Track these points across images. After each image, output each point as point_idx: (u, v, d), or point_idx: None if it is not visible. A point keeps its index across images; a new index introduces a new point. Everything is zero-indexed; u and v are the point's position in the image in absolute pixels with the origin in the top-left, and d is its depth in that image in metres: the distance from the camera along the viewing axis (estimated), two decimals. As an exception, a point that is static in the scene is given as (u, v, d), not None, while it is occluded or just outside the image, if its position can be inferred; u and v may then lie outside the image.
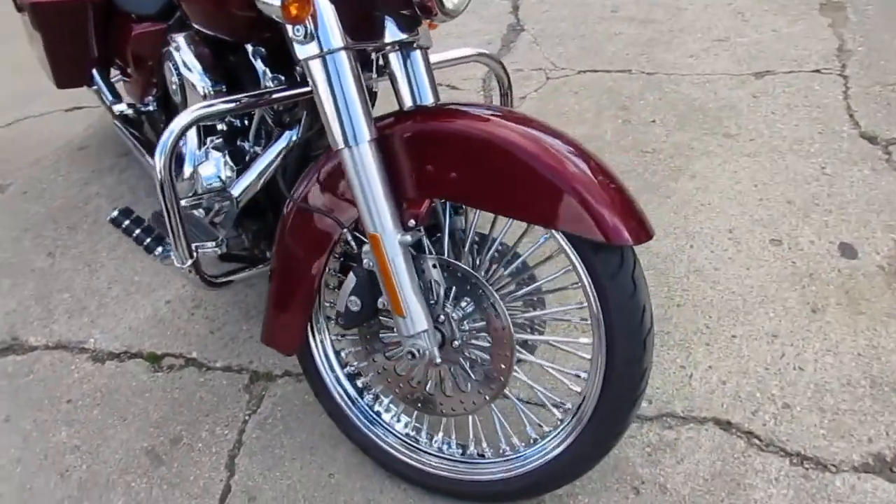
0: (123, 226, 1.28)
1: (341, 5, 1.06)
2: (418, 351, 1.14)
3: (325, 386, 1.38)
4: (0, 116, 3.04)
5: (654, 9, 3.20)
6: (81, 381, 1.74)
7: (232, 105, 1.23)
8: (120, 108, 1.93)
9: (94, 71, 2.03)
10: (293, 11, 1.01)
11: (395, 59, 1.19)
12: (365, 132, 1.08)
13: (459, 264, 1.15)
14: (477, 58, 1.52)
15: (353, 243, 1.20)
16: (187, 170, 1.57)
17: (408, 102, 1.19)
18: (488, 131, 1.07)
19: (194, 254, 1.27)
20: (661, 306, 1.71)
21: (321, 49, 1.05)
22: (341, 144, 1.09)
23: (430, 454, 1.34)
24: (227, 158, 1.52)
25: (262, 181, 1.45)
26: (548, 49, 2.98)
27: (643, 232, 1.04)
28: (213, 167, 1.51)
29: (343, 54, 1.06)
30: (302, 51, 1.06)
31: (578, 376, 1.18)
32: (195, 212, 1.54)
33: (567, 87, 2.68)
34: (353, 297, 1.20)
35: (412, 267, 1.13)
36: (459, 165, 1.08)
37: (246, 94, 1.25)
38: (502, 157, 1.04)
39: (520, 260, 1.18)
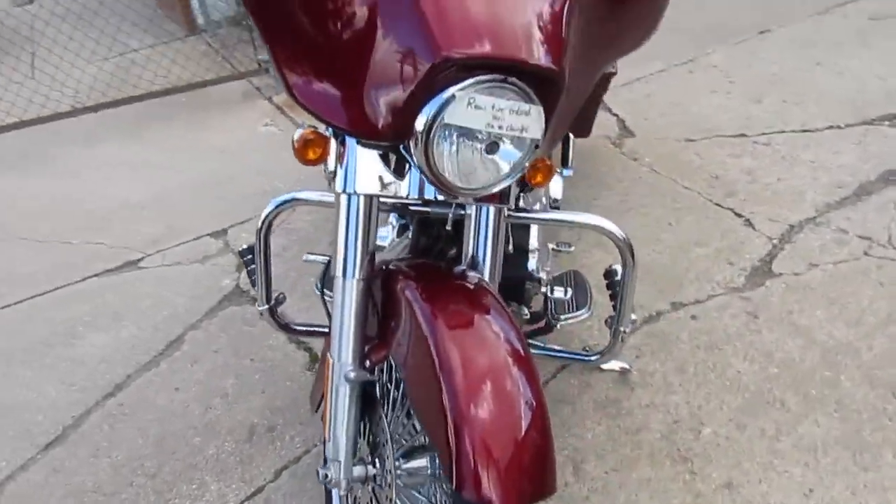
0: (244, 258, 1.63)
1: (373, 153, 1.12)
2: (326, 475, 1.23)
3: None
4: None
5: None
6: (266, 348, 2.23)
7: (321, 198, 1.43)
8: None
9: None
10: (310, 156, 1.15)
11: (470, 206, 1.24)
12: (356, 271, 1.17)
13: (385, 426, 1.19)
14: (593, 227, 1.42)
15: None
16: None
17: (468, 253, 1.24)
18: (441, 333, 1.03)
19: (272, 300, 1.55)
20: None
21: (342, 188, 1.13)
22: (337, 273, 1.20)
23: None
24: (393, 230, 1.76)
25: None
26: (904, 218, 2.36)
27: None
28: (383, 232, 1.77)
29: (360, 198, 1.15)
30: (330, 181, 1.19)
31: None
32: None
33: (878, 275, 2.12)
34: None
35: (353, 402, 1.21)
36: (408, 343, 1.12)
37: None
38: (431, 361, 1.03)
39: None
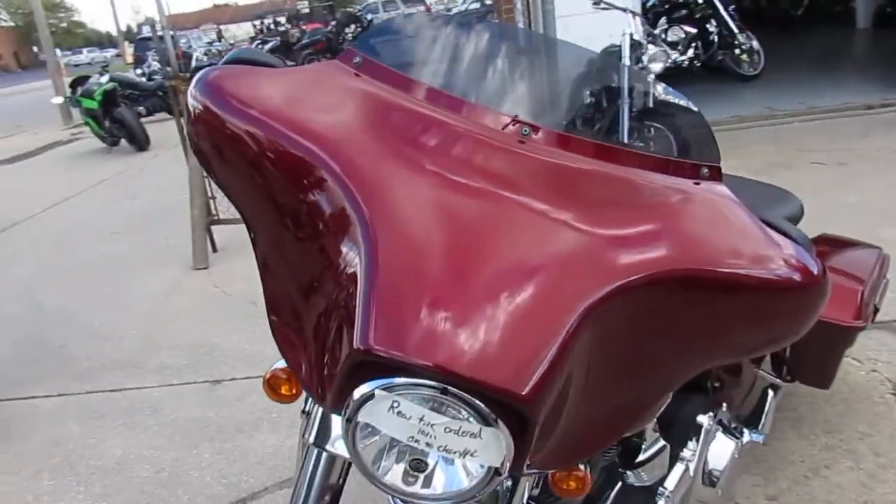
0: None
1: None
2: None
3: None
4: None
5: None
6: None
7: None
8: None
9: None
10: (282, 391, 1.08)
11: None
12: None
13: None
14: None
15: None
16: None
17: None
18: None
19: None
20: None
21: (312, 440, 1.03)
22: None
23: None
24: None
25: None
26: None
27: None
28: None
29: (324, 455, 1.05)
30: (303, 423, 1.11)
31: None
32: None
33: None
34: None
35: None
36: None
37: None
38: None
39: None
